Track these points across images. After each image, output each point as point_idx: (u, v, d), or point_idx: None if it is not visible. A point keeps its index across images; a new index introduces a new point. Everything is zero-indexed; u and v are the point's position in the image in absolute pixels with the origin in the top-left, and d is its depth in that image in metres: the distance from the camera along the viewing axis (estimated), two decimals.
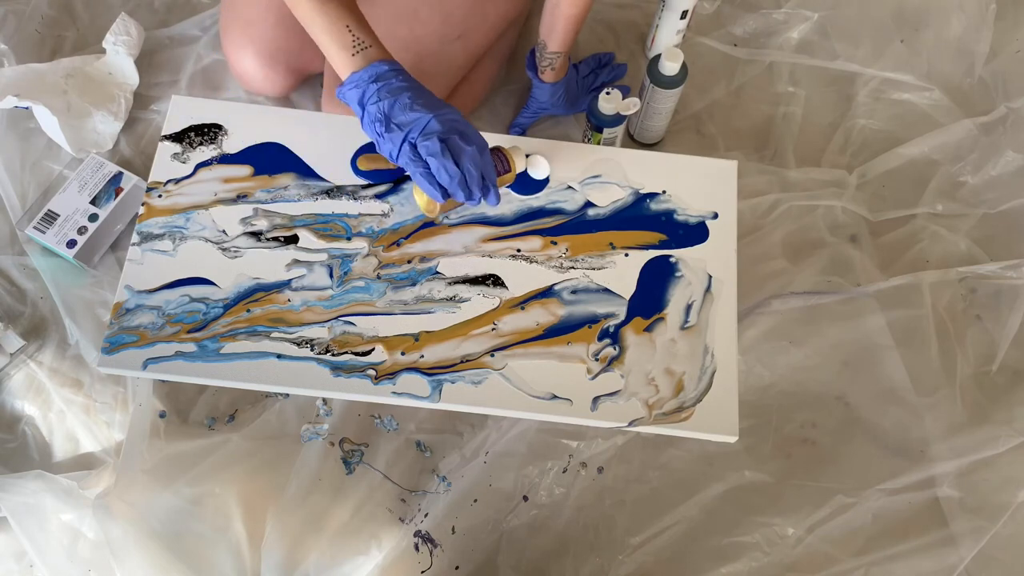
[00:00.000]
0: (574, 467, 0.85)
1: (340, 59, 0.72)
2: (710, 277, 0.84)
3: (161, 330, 0.80)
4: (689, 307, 0.83)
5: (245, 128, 0.89)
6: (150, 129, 1.01)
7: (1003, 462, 0.84)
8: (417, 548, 0.82)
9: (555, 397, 0.79)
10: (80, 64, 1.00)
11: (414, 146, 0.71)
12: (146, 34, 1.04)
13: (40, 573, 0.80)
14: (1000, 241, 0.97)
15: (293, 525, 0.81)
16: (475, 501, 0.83)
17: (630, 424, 0.78)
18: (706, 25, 1.11)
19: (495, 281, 0.83)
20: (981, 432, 0.86)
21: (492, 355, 0.80)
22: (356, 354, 0.79)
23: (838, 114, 1.06)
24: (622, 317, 0.82)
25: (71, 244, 0.90)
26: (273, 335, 0.80)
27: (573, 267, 0.84)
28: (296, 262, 0.83)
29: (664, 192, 0.88)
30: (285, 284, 0.82)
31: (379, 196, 0.86)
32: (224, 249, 0.84)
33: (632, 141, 1.03)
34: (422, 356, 0.80)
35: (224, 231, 0.84)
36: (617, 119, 0.92)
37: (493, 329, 0.81)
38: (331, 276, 0.83)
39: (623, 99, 0.90)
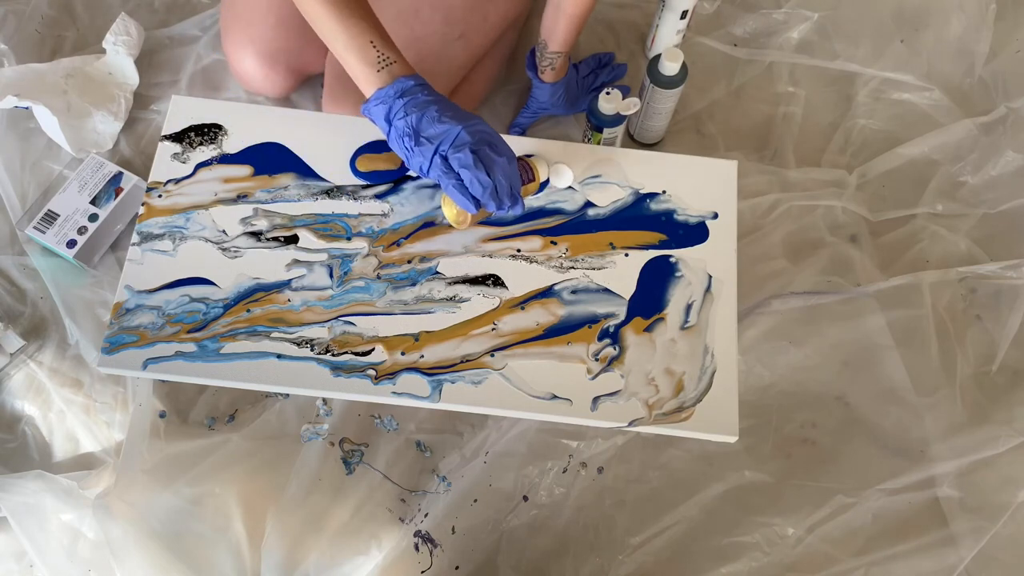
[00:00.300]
0: (574, 467, 0.85)
1: (364, 76, 0.72)
2: (710, 277, 0.84)
3: (161, 330, 0.80)
4: (689, 307, 0.83)
5: (245, 128, 0.89)
6: (150, 129, 1.01)
7: (1003, 462, 0.84)
8: (417, 548, 0.82)
9: (555, 397, 0.79)
10: (80, 64, 1.00)
11: (445, 158, 0.71)
12: (146, 34, 1.04)
13: (40, 573, 0.80)
14: (1000, 241, 0.97)
15: (293, 525, 0.81)
16: (475, 501, 0.83)
17: (630, 424, 0.78)
18: (706, 25, 1.11)
19: (495, 281, 0.83)
20: (981, 432, 0.86)
21: (492, 355, 0.80)
22: (356, 354, 0.79)
23: (838, 114, 1.06)
24: (622, 317, 0.82)
25: (71, 244, 0.90)
26: (273, 335, 0.80)
27: (573, 267, 0.84)
28: (296, 262, 0.83)
29: (664, 192, 0.88)
30: (285, 284, 0.82)
31: (379, 196, 0.87)
32: (224, 249, 0.84)
33: (632, 141, 1.03)
34: (422, 356, 0.80)
35: (224, 231, 0.84)
36: (617, 119, 0.92)
37: (493, 329, 0.81)
38: (331, 276, 0.83)
39: (623, 99, 0.90)
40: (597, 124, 0.92)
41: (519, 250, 0.85)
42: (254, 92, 1.00)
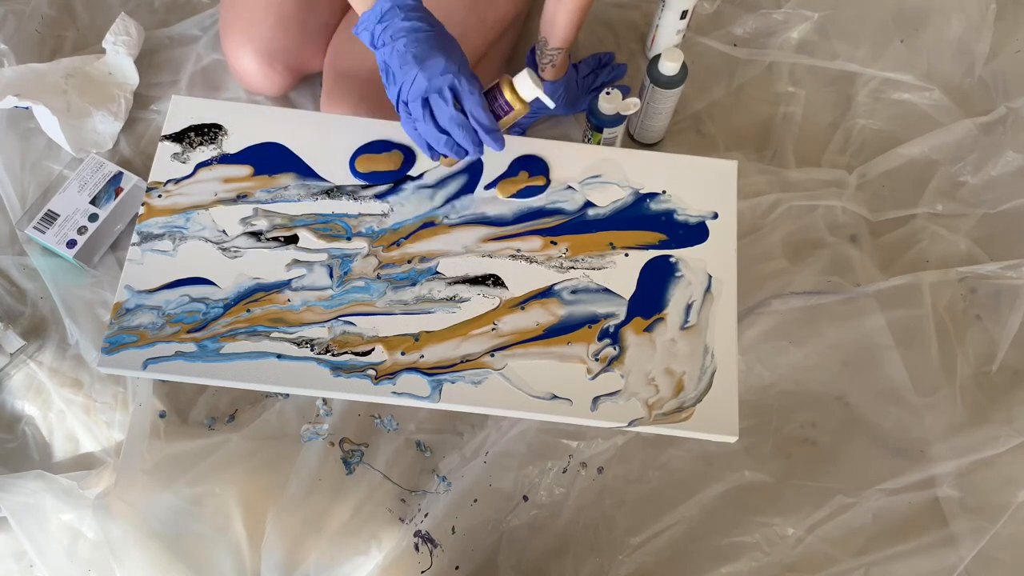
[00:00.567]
0: (574, 467, 0.85)
1: None
2: (710, 277, 0.84)
3: (161, 330, 0.80)
4: (689, 307, 0.83)
5: (245, 128, 0.89)
6: (150, 129, 1.01)
7: (1003, 462, 0.84)
8: (417, 548, 0.82)
9: (555, 397, 0.79)
10: (80, 64, 1.00)
11: (406, 103, 0.72)
12: (146, 34, 1.04)
13: (40, 573, 0.80)
14: (1000, 241, 0.97)
15: (293, 525, 0.81)
16: (475, 501, 0.83)
17: (630, 424, 0.78)
18: (706, 25, 1.11)
19: (495, 281, 0.83)
20: (981, 432, 0.86)
21: (492, 355, 0.80)
22: (356, 354, 0.79)
23: (838, 114, 1.06)
24: (622, 317, 0.82)
25: (71, 244, 0.90)
26: (273, 335, 0.80)
27: (573, 267, 0.84)
28: (296, 262, 0.83)
29: (664, 192, 0.88)
30: (285, 284, 0.82)
31: (379, 196, 0.86)
32: (224, 249, 0.84)
33: (632, 141, 1.03)
34: (422, 356, 0.80)
35: (224, 231, 0.84)
36: (617, 119, 0.92)
37: (493, 329, 0.81)
38: (331, 276, 0.83)
39: (623, 99, 0.90)
40: (597, 124, 0.92)
41: (519, 250, 0.85)
42: (253, 91, 1.00)
